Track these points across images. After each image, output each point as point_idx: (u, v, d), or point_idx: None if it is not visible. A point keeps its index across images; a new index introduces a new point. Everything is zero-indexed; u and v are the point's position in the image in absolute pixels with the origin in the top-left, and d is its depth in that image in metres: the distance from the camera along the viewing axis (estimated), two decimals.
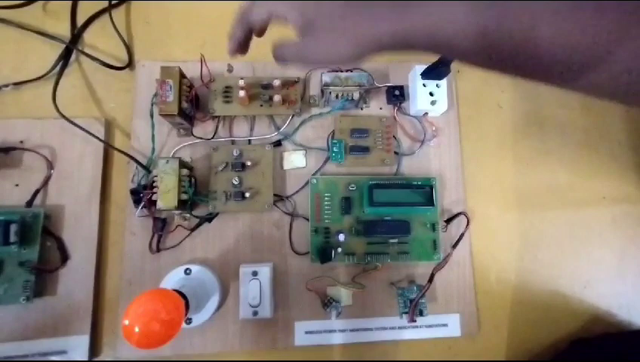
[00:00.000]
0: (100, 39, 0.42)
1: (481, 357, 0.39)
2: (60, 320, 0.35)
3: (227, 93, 0.39)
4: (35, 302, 0.34)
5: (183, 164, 0.35)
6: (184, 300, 0.31)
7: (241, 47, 0.28)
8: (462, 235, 0.39)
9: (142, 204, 0.36)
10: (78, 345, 0.35)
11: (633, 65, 0.17)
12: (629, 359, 0.35)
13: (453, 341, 0.39)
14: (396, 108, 0.42)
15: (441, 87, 0.41)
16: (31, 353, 0.34)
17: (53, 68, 0.40)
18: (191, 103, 0.38)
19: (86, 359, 0.34)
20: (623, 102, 0.21)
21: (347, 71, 0.40)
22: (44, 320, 0.35)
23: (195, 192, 0.36)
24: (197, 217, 0.38)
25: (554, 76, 0.19)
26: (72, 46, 0.41)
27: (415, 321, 0.36)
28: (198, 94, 0.39)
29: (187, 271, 0.36)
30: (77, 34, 0.41)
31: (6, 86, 0.39)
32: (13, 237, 0.33)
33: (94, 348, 0.35)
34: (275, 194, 0.38)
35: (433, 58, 0.38)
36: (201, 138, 0.39)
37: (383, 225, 0.38)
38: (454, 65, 0.39)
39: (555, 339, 0.40)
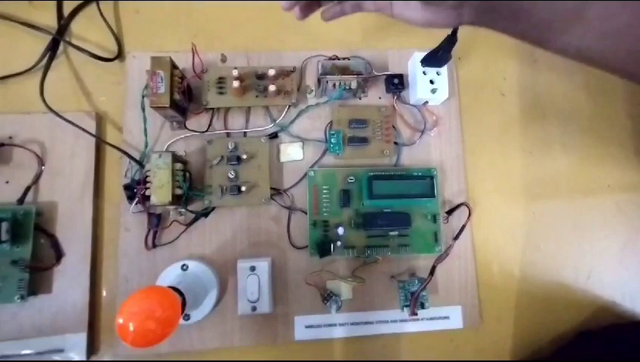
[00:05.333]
0: (88, 30, 0.41)
1: (484, 348, 0.39)
2: (56, 319, 0.34)
3: (221, 84, 0.38)
4: (30, 300, 0.34)
5: (176, 158, 0.34)
6: (181, 297, 0.30)
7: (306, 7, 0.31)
8: (463, 226, 0.38)
9: (136, 200, 0.35)
10: (76, 343, 0.34)
11: (602, 28, 0.24)
12: (636, 350, 0.34)
13: (456, 333, 0.38)
14: (396, 97, 0.41)
15: (441, 75, 0.39)
16: (28, 352, 0.34)
17: (40, 60, 0.38)
18: (183, 95, 0.36)
19: (84, 357, 0.34)
20: (596, 65, 0.27)
21: (344, 59, 0.39)
22: (40, 319, 0.34)
23: (190, 187, 0.36)
24: (193, 212, 0.37)
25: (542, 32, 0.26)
26: (59, 37, 0.39)
27: (416, 314, 0.36)
28: (191, 85, 0.38)
29: (184, 267, 0.35)
30: (64, 25, 0.40)
31: None
32: (4, 236, 0.33)
33: (92, 345, 0.35)
34: (272, 188, 0.38)
35: (434, 44, 0.36)
36: (195, 131, 0.38)
37: (382, 218, 0.37)
38: (455, 52, 0.38)
39: (558, 330, 0.40)
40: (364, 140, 0.39)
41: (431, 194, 0.38)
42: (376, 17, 0.44)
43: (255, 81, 0.38)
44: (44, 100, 0.36)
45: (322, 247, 0.36)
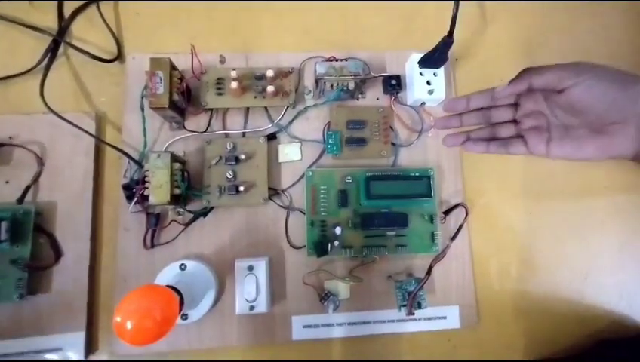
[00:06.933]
0: (89, 31, 0.41)
1: (482, 348, 0.39)
2: (54, 318, 0.35)
3: (219, 84, 0.38)
4: (29, 299, 0.34)
5: (175, 158, 0.34)
6: (179, 296, 0.31)
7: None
8: (460, 227, 0.38)
9: (134, 200, 0.35)
10: (74, 342, 0.34)
11: None
12: None
13: (453, 333, 0.38)
14: (393, 98, 0.41)
15: (438, 76, 0.40)
16: (26, 351, 0.34)
17: (40, 61, 0.39)
18: (182, 96, 0.37)
19: (82, 356, 0.34)
20: None
21: (342, 60, 0.39)
22: (38, 318, 0.34)
23: (189, 187, 0.36)
24: (191, 212, 0.37)
25: None
26: (59, 39, 0.40)
27: (413, 314, 0.36)
28: (190, 86, 0.38)
29: (182, 267, 0.35)
30: (64, 26, 0.40)
31: None
32: (4, 235, 0.33)
33: (90, 345, 0.35)
34: (270, 188, 0.38)
35: (431, 46, 0.37)
36: (193, 131, 0.39)
37: (380, 218, 0.37)
38: (452, 53, 0.38)
39: (555, 330, 0.40)
40: (361, 141, 0.40)
41: (428, 195, 0.38)
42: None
43: (253, 82, 0.39)
44: (44, 101, 0.36)
45: (320, 247, 0.36)
